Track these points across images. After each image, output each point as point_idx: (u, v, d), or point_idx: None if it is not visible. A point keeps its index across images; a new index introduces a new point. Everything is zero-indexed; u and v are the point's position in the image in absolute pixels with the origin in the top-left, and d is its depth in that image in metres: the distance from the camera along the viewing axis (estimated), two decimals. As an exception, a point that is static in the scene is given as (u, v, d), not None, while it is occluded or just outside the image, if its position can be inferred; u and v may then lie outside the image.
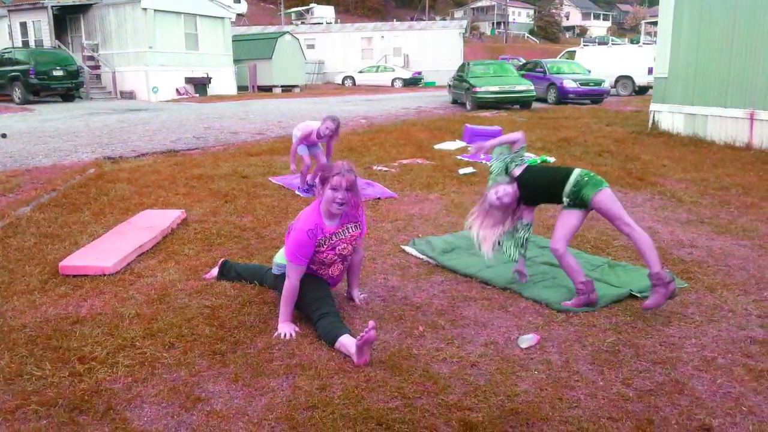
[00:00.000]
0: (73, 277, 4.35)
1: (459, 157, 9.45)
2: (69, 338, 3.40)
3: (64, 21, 25.93)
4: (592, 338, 3.47)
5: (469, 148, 10.21)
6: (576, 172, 3.95)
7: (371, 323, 3.02)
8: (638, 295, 4.02)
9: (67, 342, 3.35)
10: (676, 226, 5.75)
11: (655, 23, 22.56)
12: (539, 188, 4.07)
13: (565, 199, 3.92)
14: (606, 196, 3.84)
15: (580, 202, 3.88)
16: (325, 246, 3.58)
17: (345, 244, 3.67)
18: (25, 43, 25.49)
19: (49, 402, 2.79)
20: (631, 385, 2.98)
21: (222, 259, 4.48)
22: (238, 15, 54.50)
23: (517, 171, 4.14)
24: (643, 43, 29.82)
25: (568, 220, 3.92)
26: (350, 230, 3.69)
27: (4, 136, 11.57)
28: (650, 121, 12.97)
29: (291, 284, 3.52)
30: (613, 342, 3.42)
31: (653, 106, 12.94)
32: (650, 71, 23.29)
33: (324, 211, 3.57)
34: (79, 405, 2.77)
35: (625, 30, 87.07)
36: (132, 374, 3.05)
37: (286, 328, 3.49)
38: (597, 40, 54.44)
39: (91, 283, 4.27)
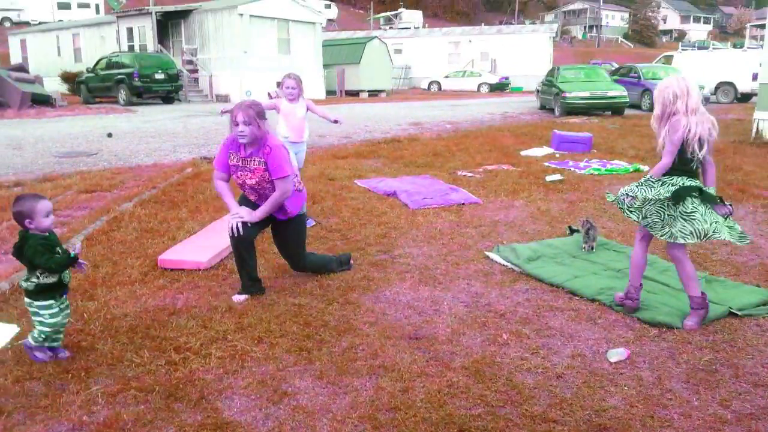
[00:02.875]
0: (171, 271, 4.58)
1: (547, 164, 9.25)
2: (166, 328, 3.58)
3: (167, 26, 27.33)
4: (686, 356, 3.32)
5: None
6: None
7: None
8: (738, 313, 3.81)
9: (164, 332, 3.54)
10: (782, 241, 5.40)
11: (762, 26, 21.26)
12: None
13: None
14: None
15: None
16: (233, 166, 4.12)
17: (249, 174, 4.05)
18: (131, 48, 27.03)
19: (146, 388, 2.95)
20: (729, 407, 2.83)
21: None
22: (329, 20, 55.75)
23: None
24: (748, 48, 28.14)
25: None
26: (254, 163, 4.03)
27: (110, 135, 12.32)
28: (754, 131, 12.23)
29: (214, 184, 4.30)
30: (709, 360, 3.26)
31: (758, 114, 12.21)
32: (755, 77, 22.02)
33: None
34: (174, 392, 2.92)
35: (728, 34, 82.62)
36: (223, 366, 3.18)
37: (231, 220, 4.05)
38: (696, 45, 51.88)
39: (187, 276, 4.48)
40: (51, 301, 3.17)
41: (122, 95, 22.32)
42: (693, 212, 3.55)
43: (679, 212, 3.57)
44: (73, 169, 8.68)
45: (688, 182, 3.58)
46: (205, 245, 4.95)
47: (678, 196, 3.55)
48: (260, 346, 3.40)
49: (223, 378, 3.07)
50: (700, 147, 3.52)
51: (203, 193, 7.02)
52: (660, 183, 3.61)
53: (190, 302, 4.01)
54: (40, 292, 3.14)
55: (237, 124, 3.89)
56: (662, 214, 3.60)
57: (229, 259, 4.85)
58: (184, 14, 26.91)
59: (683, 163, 3.58)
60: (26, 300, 3.21)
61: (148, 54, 24.65)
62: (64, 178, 7.82)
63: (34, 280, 3.13)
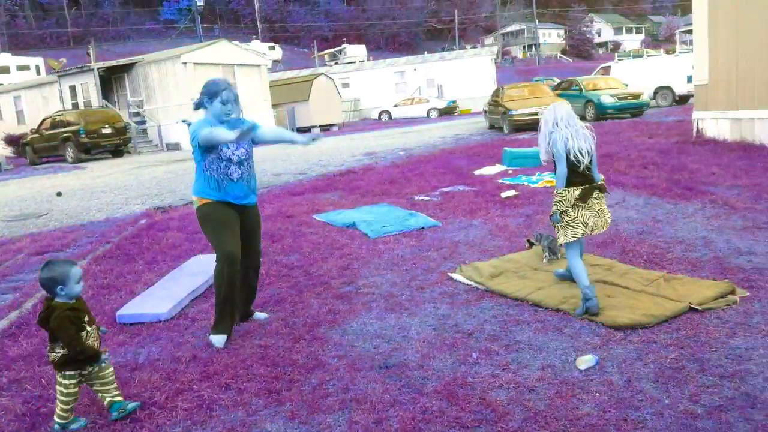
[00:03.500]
0: (130, 326, 4.45)
1: (501, 181, 9.38)
2: (129, 385, 3.47)
3: (110, 81, 27.01)
4: (653, 355, 3.36)
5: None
6: None
7: None
8: (698, 308, 3.89)
9: (127, 389, 3.42)
10: (732, 234, 5.57)
11: (690, 31, 22.21)
12: None
13: None
14: None
15: None
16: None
17: (237, 146, 3.96)
18: (75, 105, 26.59)
19: (112, 449, 2.84)
20: (699, 401, 2.86)
21: None
22: (274, 61, 56.04)
23: None
24: (680, 53, 29.29)
25: None
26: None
27: (59, 194, 12.04)
28: (694, 130, 12.67)
29: (226, 137, 3.67)
30: (676, 358, 3.31)
31: (696, 114, 12.66)
32: (690, 80, 22.88)
33: (214, 121, 3.94)
34: (141, 451, 2.81)
35: (660, 41, 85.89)
36: (191, 417, 3.09)
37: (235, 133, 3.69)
38: (632, 54, 53.75)
39: (148, 330, 4.36)
40: (75, 372, 3.03)
41: (70, 153, 21.90)
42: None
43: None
44: (23, 231, 8.44)
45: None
46: (163, 296, 4.84)
47: (584, 195, 4.10)
48: (228, 392, 3.32)
49: (191, 430, 2.97)
50: (583, 156, 4.06)
51: (159, 243, 6.89)
52: (567, 192, 4.10)
53: (152, 356, 3.90)
54: (65, 363, 3.00)
55: (234, 101, 3.90)
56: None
57: (190, 308, 4.75)
58: (127, 68, 26.69)
59: (575, 174, 4.08)
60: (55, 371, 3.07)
61: (93, 110, 24.28)
62: (13, 242, 7.58)
63: (59, 350, 2.99)
